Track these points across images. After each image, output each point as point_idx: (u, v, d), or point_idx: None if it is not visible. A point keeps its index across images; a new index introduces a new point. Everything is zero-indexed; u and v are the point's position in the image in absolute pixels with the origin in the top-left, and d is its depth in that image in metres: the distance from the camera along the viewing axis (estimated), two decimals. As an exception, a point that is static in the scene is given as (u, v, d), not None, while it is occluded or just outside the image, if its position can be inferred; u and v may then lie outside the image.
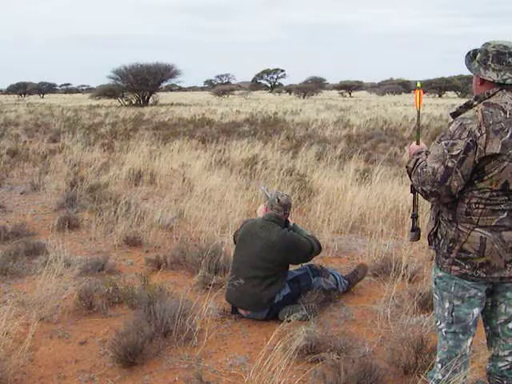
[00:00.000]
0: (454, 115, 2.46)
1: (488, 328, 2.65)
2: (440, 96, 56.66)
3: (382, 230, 5.93)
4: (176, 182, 8.52)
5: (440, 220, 2.52)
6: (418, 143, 2.64)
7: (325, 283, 4.17)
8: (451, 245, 2.45)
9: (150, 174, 9.25)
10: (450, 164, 2.29)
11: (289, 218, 4.27)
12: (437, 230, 2.55)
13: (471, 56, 2.48)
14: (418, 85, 2.87)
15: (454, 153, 2.29)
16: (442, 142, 2.34)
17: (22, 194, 8.46)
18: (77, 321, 3.94)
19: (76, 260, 5.12)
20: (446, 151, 2.31)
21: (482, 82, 2.42)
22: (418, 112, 2.83)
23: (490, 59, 2.37)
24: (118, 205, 6.54)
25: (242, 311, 3.94)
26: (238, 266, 4.04)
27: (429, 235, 2.60)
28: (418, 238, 2.76)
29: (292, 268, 4.21)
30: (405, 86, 64.30)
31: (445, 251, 2.48)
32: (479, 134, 2.27)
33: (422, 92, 2.84)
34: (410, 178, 2.52)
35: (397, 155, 11.31)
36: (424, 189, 2.37)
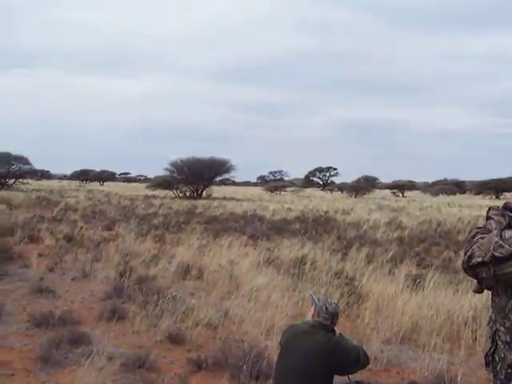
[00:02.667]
0: None
1: None
2: (497, 197, 55.46)
3: (435, 343, 5.60)
4: (223, 279, 8.47)
5: (497, 340, 2.35)
6: None
7: None
8: (510, 371, 2.26)
9: (198, 269, 9.26)
10: (486, 259, 2.20)
11: (336, 329, 4.11)
12: (494, 351, 2.36)
13: None
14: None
15: (497, 254, 2.19)
16: (495, 238, 2.25)
17: (72, 280, 8.61)
18: (111, 421, 3.82)
19: (117, 353, 5.05)
20: (491, 248, 2.21)
21: None
22: None
23: None
24: (164, 298, 6.53)
25: None
26: (280, 374, 3.86)
27: (486, 355, 2.42)
28: (482, 291, 2.53)
29: (337, 383, 3.98)
30: (459, 187, 63.60)
31: (502, 377, 2.29)
32: None
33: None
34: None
35: (451, 260, 10.94)
36: (464, 256, 2.31)
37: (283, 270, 9.04)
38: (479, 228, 2.51)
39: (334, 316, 4.01)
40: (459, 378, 4.39)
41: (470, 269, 2.29)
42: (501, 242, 2.25)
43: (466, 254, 2.35)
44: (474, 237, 2.44)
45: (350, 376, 4.06)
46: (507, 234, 2.26)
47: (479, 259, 2.26)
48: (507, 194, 2.57)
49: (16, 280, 8.37)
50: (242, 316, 6.28)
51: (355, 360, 3.91)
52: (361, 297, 7.10)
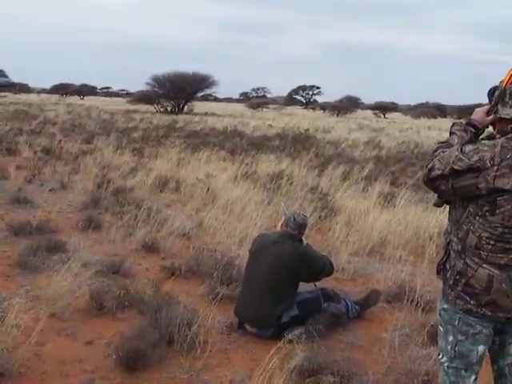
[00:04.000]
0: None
1: (495, 368, 2.56)
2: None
3: (401, 256, 5.86)
4: (200, 192, 8.59)
5: (450, 250, 2.48)
6: (487, 114, 2.49)
7: (335, 308, 4.13)
8: (458, 277, 2.40)
9: (175, 182, 9.35)
10: (446, 172, 2.31)
11: (303, 238, 4.26)
12: (446, 260, 2.50)
13: (491, 93, 2.47)
14: None
15: (455, 167, 2.29)
16: (456, 152, 2.33)
17: (50, 191, 8.65)
18: (86, 320, 4.00)
19: (93, 260, 5.20)
20: (451, 161, 2.30)
21: (501, 119, 2.40)
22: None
23: (508, 96, 2.35)
24: (140, 209, 6.63)
25: (247, 327, 3.93)
26: (248, 280, 4.05)
27: (438, 264, 2.56)
28: (441, 205, 2.62)
29: (303, 290, 4.19)
30: (440, 110, 63.53)
31: (451, 283, 2.43)
32: (489, 165, 2.24)
33: None
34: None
35: (425, 181, 11.13)
36: (425, 169, 2.42)
37: (260, 184, 9.16)
38: (442, 143, 2.58)
39: (301, 226, 4.16)
40: (418, 288, 4.63)
41: (430, 181, 2.38)
42: (460, 155, 2.32)
43: (427, 166, 2.43)
44: (435, 151, 2.51)
45: (316, 284, 4.28)
46: (467, 148, 2.33)
47: (439, 172, 2.34)
48: (478, 110, 2.61)
49: (-7, 190, 8.38)
50: (215, 227, 6.45)
51: (320, 268, 4.10)
52: (333, 211, 7.29)
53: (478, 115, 2.58)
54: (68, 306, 4.11)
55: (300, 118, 39.48)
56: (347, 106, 57.83)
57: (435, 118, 58.21)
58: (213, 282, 4.60)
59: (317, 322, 3.90)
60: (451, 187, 2.32)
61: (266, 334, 3.87)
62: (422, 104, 69.74)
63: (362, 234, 6.33)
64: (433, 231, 6.39)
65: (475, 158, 2.27)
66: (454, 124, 2.63)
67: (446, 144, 2.51)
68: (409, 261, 5.81)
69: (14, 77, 66.70)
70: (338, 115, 52.94)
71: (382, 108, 62.91)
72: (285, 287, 3.94)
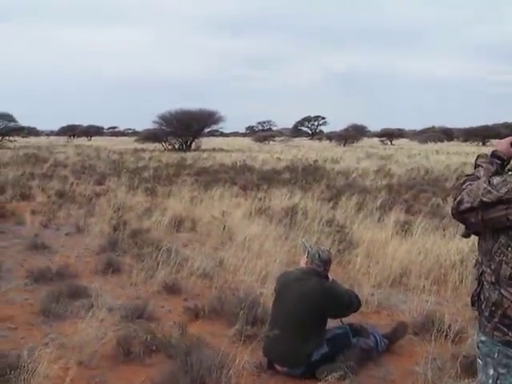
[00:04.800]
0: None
1: None
2: (484, 144, 55.75)
3: (424, 286, 5.80)
4: (216, 230, 8.60)
5: (483, 281, 2.46)
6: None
7: (364, 343, 4.09)
8: (494, 309, 2.37)
9: (191, 221, 9.38)
10: (475, 205, 2.30)
11: (329, 275, 4.25)
12: (480, 291, 2.48)
13: None
14: None
15: (485, 200, 2.28)
16: (484, 184, 2.33)
17: (66, 235, 8.70)
18: (114, 368, 3.97)
19: (116, 305, 5.19)
20: (480, 194, 2.30)
21: None
22: None
23: None
24: (158, 250, 6.64)
25: (277, 366, 3.89)
26: (274, 319, 4.03)
27: (472, 296, 2.54)
28: (469, 236, 2.64)
29: (331, 327, 4.15)
30: (446, 134, 63.69)
31: (487, 314, 2.40)
32: None
33: None
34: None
35: (439, 206, 11.13)
36: (454, 203, 2.40)
37: (275, 219, 9.17)
38: (468, 175, 2.59)
39: (326, 262, 4.15)
40: (446, 318, 4.58)
41: (460, 214, 2.38)
42: (489, 187, 2.33)
43: (455, 200, 2.43)
44: (463, 184, 2.52)
45: (343, 319, 4.24)
46: (495, 180, 2.34)
47: (468, 205, 2.33)
48: (494, 142, 2.64)
49: (11, 237, 8.44)
50: (236, 265, 6.43)
51: (347, 304, 4.07)
52: (352, 243, 7.26)
53: (502, 146, 2.60)
54: (95, 354, 4.08)
55: (307, 150, 39.71)
56: (353, 134, 58.13)
57: (442, 141, 58.35)
58: (238, 322, 4.56)
59: (347, 358, 3.86)
60: (481, 219, 2.32)
61: (297, 372, 3.82)
62: (429, 129, 69.91)
63: (382, 265, 6.29)
64: (454, 259, 6.34)
65: (504, 189, 2.28)
66: (478, 156, 2.64)
67: (472, 177, 2.52)
68: (432, 290, 5.74)
69: (22, 121, 67.84)
70: (344, 144, 53.22)
71: (389, 135, 63.20)
72: (312, 325, 3.91)
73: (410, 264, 6.37)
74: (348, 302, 4.06)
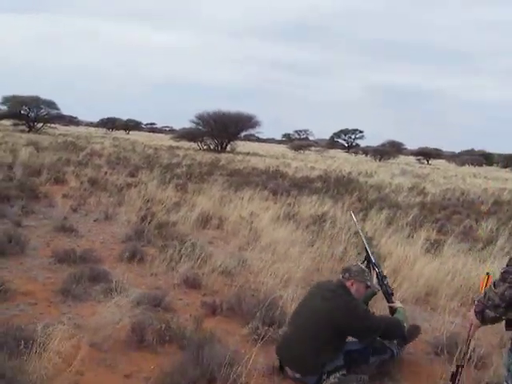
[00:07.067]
0: None
1: None
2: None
3: (450, 307, 5.61)
4: (243, 230, 8.54)
5: None
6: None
7: (380, 360, 3.94)
8: None
9: (218, 219, 9.35)
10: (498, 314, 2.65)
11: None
12: None
13: None
14: (488, 271, 3.24)
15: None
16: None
17: (94, 221, 8.77)
18: (126, 352, 3.94)
19: (135, 292, 5.15)
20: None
21: None
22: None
23: None
24: (183, 244, 6.62)
25: (289, 371, 3.78)
26: (294, 321, 3.92)
27: (508, 319, 2.49)
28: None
29: (351, 340, 3.99)
30: (486, 158, 62.38)
31: None
32: None
33: (489, 278, 3.07)
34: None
35: (472, 228, 10.84)
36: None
37: (302, 225, 9.07)
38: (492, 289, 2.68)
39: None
40: (471, 342, 4.39)
41: (490, 323, 2.74)
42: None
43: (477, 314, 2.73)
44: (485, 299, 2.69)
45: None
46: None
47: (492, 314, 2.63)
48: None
49: (41, 218, 8.57)
50: (259, 266, 6.36)
51: (368, 329, 3.85)
52: (379, 257, 7.08)
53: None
54: (109, 337, 4.06)
55: (342, 162, 39.41)
56: (390, 150, 57.51)
57: (481, 165, 57.08)
58: (255, 322, 4.48)
59: (362, 371, 3.73)
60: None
61: (309, 381, 3.71)
62: (468, 151, 68.55)
63: (409, 282, 6.11)
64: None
65: None
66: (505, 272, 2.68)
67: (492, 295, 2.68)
68: (459, 312, 5.56)
69: (65, 109, 69.28)
70: (380, 160, 52.64)
71: (426, 154, 62.27)
72: (328, 339, 3.74)
73: (437, 283, 6.18)
74: (375, 327, 3.87)
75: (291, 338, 3.82)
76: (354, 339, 3.94)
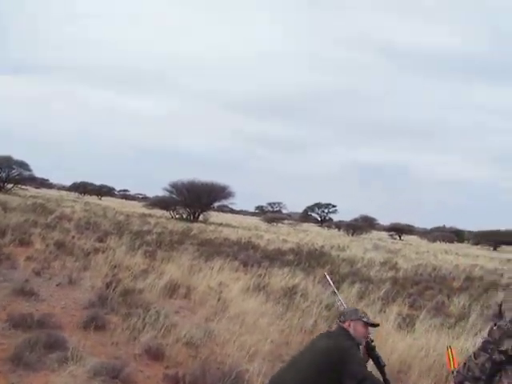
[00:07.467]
0: None
1: None
2: (495, 249, 55.14)
3: (423, 385, 5.41)
4: (211, 300, 8.28)
5: None
6: None
7: None
8: None
9: (186, 288, 9.07)
10: None
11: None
12: None
13: None
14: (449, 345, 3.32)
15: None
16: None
17: (57, 285, 8.42)
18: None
19: (93, 362, 4.84)
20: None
21: None
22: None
23: None
24: (147, 313, 6.34)
25: None
26: (294, 358, 3.80)
27: None
28: None
29: None
30: (457, 235, 63.27)
31: None
32: None
33: (452, 351, 3.13)
34: None
35: (444, 304, 10.74)
36: None
37: (273, 297, 8.86)
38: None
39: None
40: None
41: None
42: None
43: None
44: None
45: None
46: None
47: None
48: None
49: (1, 280, 8.18)
50: (225, 338, 6.09)
51: (360, 373, 3.67)
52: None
53: None
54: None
55: (315, 235, 39.50)
56: (362, 225, 58.06)
57: (452, 242, 57.79)
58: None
59: None
60: None
61: None
62: (439, 228, 69.50)
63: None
64: (458, 360, 5.94)
65: None
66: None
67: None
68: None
69: (37, 171, 68.72)
70: (353, 234, 52.99)
71: (398, 230, 63.00)
72: (321, 380, 3.57)
73: (410, 359, 5.99)
74: (366, 375, 3.68)
75: (287, 371, 3.66)
76: None
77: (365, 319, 3.89)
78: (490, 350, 2.37)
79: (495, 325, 2.43)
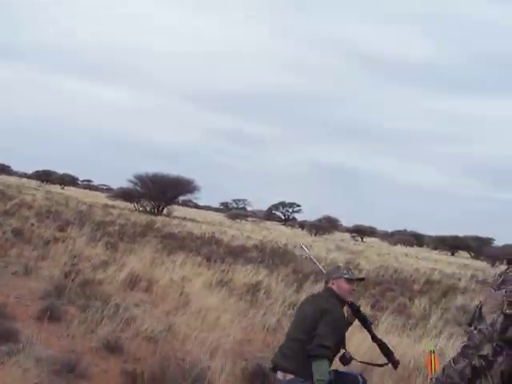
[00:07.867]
0: None
1: None
2: (453, 254, 56.43)
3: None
4: (173, 294, 8.09)
5: None
6: None
7: None
8: None
9: (148, 281, 8.85)
10: None
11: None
12: None
13: None
14: (431, 348, 2.99)
15: None
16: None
17: (13, 274, 8.10)
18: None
19: (47, 355, 4.62)
20: None
21: None
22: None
23: None
24: (106, 305, 6.13)
25: (280, 375, 3.70)
26: (288, 331, 3.94)
27: None
28: None
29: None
30: (417, 239, 64.39)
31: None
32: None
33: (434, 356, 3.06)
34: None
35: (406, 306, 10.83)
36: None
37: (236, 293, 8.74)
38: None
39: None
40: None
41: None
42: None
43: None
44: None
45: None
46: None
47: None
48: None
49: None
50: (186, 333, 5.94)
51: (321, 335, 3.69)
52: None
53: None
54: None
55: (278, 233, 39.59)
56: (326, 226, 58.40)
57: (412, 246, 58.85)
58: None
59: None
60: None
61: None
62: (400, 231, 70.53)
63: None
64: (419, 362, 5.97)
65: None
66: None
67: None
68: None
69: (-1, 157, 66.66)
70: (315, 235, 53.30)
71: (360, 232, 63.67)
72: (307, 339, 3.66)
73: (372, 360, 5.94)
74: (322, 334, 3.62)
75: (284, 344, 3.84)
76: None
77: (347, 276, 3.92)
78: (469, 356, 2.29)
79: (475, 328, 2.35)
